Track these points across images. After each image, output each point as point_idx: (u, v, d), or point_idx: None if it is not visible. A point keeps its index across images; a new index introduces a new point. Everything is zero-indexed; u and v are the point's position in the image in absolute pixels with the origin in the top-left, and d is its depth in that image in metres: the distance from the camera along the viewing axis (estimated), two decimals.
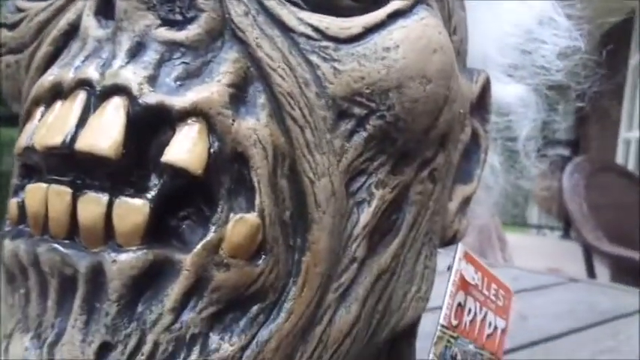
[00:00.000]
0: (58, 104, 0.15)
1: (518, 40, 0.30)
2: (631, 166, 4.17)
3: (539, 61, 0.30)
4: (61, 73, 0.15)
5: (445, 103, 0.20)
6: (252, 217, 0.15)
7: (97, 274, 0.14)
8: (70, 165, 0.14)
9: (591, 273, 1.80)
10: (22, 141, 0.15)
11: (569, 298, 0.75)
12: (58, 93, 0.15)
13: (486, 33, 0.28)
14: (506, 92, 0.31)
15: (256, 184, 0.15)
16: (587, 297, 0.75)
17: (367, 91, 0.17)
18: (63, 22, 0.17)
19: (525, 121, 0.32)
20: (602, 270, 1.78)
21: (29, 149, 0.15)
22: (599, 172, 1.92)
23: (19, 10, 0.19)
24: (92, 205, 0.14)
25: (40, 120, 0.15)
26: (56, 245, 0.14)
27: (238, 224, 0.15)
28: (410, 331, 0.25)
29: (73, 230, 0.14)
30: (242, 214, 0.15)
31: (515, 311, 0.66)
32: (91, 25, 0.15)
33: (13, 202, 0.16)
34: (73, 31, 0.16)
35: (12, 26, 0.19)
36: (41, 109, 0.15)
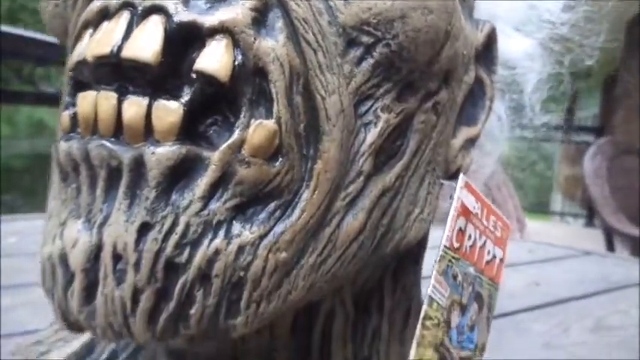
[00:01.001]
0: (105, 23, 0.17)
1: None
2: None
3: (544, 15, 0.32)
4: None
5: (447, 38, 0.21)
6: (270, 124, 0.17)
7: (138, 165, 0.16)
8: (116, 75, 0.17)
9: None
10: (74, 57, 0.18)
11: (582, 269, 0.76)
12: (105, 15, 0.17)
13: None
14: (513, 46, 0.32)
15: (274, 96, 0.17)
16: (600, 268, 0.76)
17: (374, 20, 0.19)
18: None
19: (531, 75, 0.33)
20: (622, 252, 1.77)
21: (81, 63, 0.17)
22: (621, 155, 1.90)
23: None
24: (135, 106, 0.16)
25: (89, 39, 0.17)
26: (104, 142, 0.17)
27: (258, 128, 0.17)
28: (415, 256, 0.27)
29: (118, 130, 0.17)
30: (262, 120, 0.17)
31: (529, 278, 0.68)
32: None
33: (65, 115, 0.18)
34: None
35: None
36: (90, 31, 0.18)
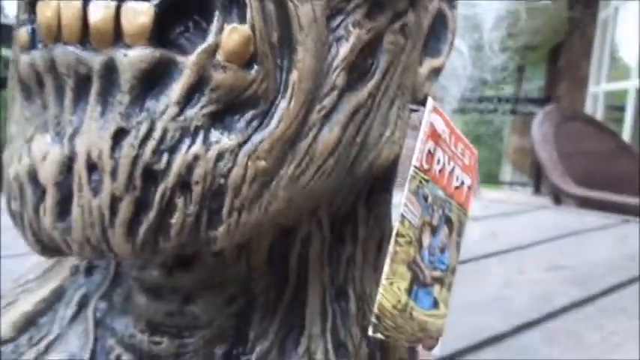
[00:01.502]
0: None
1: None
2: (598, 119, 4.29)
3: None
4: None
5: None
6: (244, 28, 0.17)
7: (109, 70, 0.16)
8: None
9: None
10: None
11: (535, 220, 0.79)
12: None
13: None
14: None
15: (247, 1, 0.17)
16: (552, 218, 0.80)
17: None
18: None
19: (490, 13, 0.34)
20: None
21: None
22: (567, 121, 1.98)
23: None
24: (102, 8, 0.15)
25: None
26: (70, 48, 0.16)
27: (232, 32, 0.16)
28: (386, 186, 0.27)
29: (84, 36, 0.16)
30: (235, 25, 0.17)
31: (486, 230, 0.70)
32: None
33: (22, 31, 0.17)
34: None
35: None
36: None
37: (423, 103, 0.26)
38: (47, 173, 0.16)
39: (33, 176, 0.16)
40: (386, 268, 0.22)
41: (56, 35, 0.16)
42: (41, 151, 0.16)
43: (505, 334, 0.37)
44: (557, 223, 0.75)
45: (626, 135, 3.48)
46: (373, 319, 0.22)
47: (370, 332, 0.22)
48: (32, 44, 0.17)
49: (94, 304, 0.24)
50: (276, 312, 0.24)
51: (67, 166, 0.16)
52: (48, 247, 0.17)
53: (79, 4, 0.16)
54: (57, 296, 0.25)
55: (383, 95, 0.22)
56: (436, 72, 0.28)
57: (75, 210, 0.16)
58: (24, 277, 0.30)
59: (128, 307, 0.23)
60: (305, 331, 0.25)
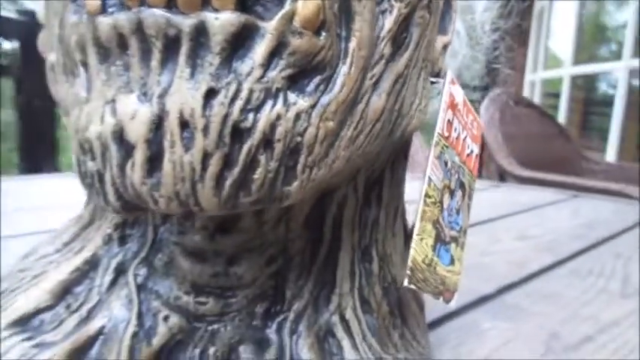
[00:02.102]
0: None
1: None
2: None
3: None
4: None
5: None
6: None
7: (199, 33, 0.16)
8: None
9: None
10: None
11: (493, 197, 0.84)
12: None
13: None
14: None
15: None
16: (509, 195, 0.85)
17: None
18: None
19: None
20: None
21: None
22: (512, 106, 2.08)
23: None
24: None
25: None
26: (159, 11, 0.16)
27: (307, 1, 0.18)
28: (405, 152, 0.29)
29: (169, 0, 0.17)
30: None
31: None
32: None
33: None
34: None
35: None
36: None
37: (438, 75, 0.28)
38: (137, 131, 0.16)
39: (119, 135, 0.17)
40: (417, 225, 0.24)
41: (140, 0, 0.17)
42: (129, 111, 0.17)
43: (491, 295, 0.40)
44: (517, 199, 0.80)
45: (561, 119, 3.68)
46: (408, 272, 0.24)
47: (406, 283, 0.24)
48: (104, 7, 0.18)
49: (134, 269, 0.25)
50: (310, 271, 0.26)
51: (156, 124, 0.16)
52: (129, 204, 0.18)
53: None
54: (91, 265, 0.26)
55: (414, 67, 0.24)
56: (446, 48, 0.30)
57: (166, 165, 0.16)
58: (38, 252, 0.30)
59: (171, 271, 0.24)
60: (336, 289, 0.27)
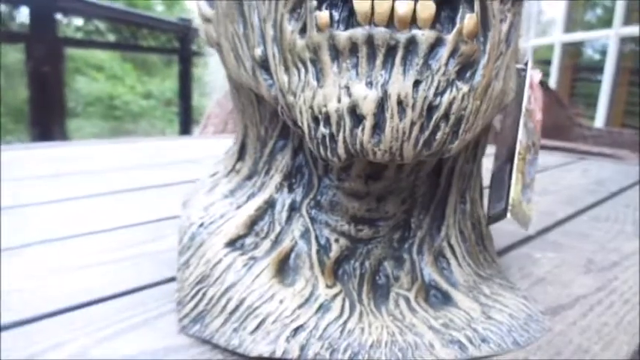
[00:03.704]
0: None
1: None
2: None
3: None
4: None
5: None
6: (474, 15, 0.26)
7: (409, 43, 0.25)
8: None
9: None
10: None
11: None
12: None
13: None
14: None
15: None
16: None
17: None
18: None
19: None
20: None
21: None
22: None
23: None
24: (405, 4, 0.25)
25: None
26: (383, 28, 0.25)
27: (470, 19, 0.26)
28: (490, 120, 0.39)
29: (390, 22, 0.25)
30: (470, 14, 0.26)
31: None
32: None
33: (323, 15, 0.26)
34: None
35: None
36: None
37: (524, 63, 0.37)
38: (368, 107, 0.25)
39: (352, 110, 0.26)
40: (514, 173, 0.34)
41: (370, 20, 0.25)
42: (362, 93, 0.25)
43: (534, 236, 0.50)
44: None
45: (553, 84, 3.78)
46: (510, 207, 0.33)
47: (508, 216, 0.33)
48: (331, 24, 0.26)
49: (305, 208, 0.34)
50: (428, 209, 0.35)
51: (379, 103, 0.25)
52: (350, 154, 0.27)
53: (389, 3, 0.25)
54: (269, 204, 0.35)
55: (511, 58, 0.33)
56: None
57: (387, 129, 0.25)
58: (202, 199, 0.39)
59: (335, 207, 0.33)
60: (445, 222, 0.36)
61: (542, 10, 4.43)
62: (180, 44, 3.04)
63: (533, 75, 0.36)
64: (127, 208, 0.57)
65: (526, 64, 0.36)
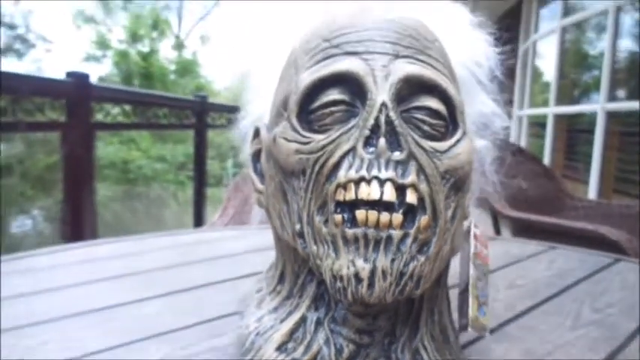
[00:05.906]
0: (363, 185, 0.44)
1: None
2: (523, 139, 4.82)
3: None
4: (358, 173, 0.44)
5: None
6: (427, 217, 0.45)
7: (388, 238, 0.43)
8: (375, 203, 0.43)
9: (497, 232, 2.26)
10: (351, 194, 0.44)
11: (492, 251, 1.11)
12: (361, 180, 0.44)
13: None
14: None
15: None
16: (500, 248, 1.12)
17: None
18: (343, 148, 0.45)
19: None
20: (505, 231, 2.23)
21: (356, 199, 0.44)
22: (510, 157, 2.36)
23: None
24: (385, 215, 0.43)
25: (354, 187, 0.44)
26: (373, 230, 0.43)
27: (424, 220, 0.44)
28: (447, 268, 0.56)
29: (376, 226, 0.43)
30: (424, 216, 0.45)
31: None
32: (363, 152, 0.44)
33: (338, 217, 0.44)
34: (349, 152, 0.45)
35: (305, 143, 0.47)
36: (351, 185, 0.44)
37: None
38: (365, 274, 0.43)
39: (356, 275, 0.43)
40: (470, 299, 0.51)
41: (365, 223, 0.43)
42: (361, 266, 0.43)
43: (495, 328, 0.67)
44: (506, 252, 1.07)
45: (546, 160, 3.99)
46: (470, 321, 0.51)
47: (469, 328, 0.50)
48: (342, 222, 0.45)
49: (326, 322, 0.51)
50: (407, 322, 0.53)
51: (371, 272, 0.43)
52: (355, 299, 0.44)
53: (376, 215, 0.43)
54: (302, 320, 0.52)
55: (458, 225, 0.51)
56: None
57: (376, 287, 0.43)
58: (252, 314, 0.56)
59: (346, 323, 0.51)
60: (419, 330, 0.53)
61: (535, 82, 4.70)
62: (197, 118, 3.41)
63: (476, 230, 0.54)
64: (182, 309, 0.74)
65: (470, 224, 0.55)
